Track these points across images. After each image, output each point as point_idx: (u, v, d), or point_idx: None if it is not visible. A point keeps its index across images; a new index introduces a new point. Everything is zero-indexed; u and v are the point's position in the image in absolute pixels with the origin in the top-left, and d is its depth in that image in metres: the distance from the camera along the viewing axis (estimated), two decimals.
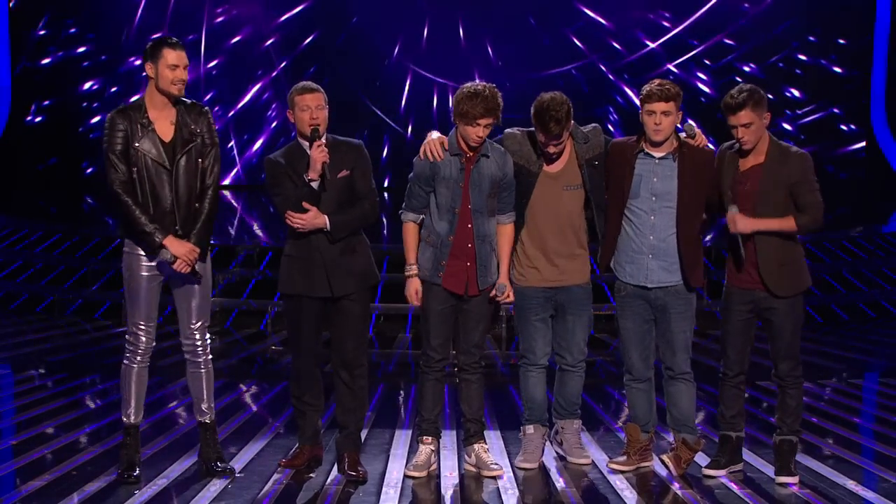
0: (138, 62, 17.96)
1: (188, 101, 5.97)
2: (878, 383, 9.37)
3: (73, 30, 18.40)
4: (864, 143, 18.49)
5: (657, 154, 6.08)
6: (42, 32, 18.35)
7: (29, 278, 12.58)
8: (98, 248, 12.89)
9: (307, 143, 5.92)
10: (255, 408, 7.93)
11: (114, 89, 18.31)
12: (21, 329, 11.06)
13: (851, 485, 6.01)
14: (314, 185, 5.85)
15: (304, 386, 6.11)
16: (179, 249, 5.81)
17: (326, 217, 5.90)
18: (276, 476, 6.06)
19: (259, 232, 14.18)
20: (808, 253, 12.84)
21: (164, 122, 5.87)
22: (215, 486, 5.86)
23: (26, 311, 11.97)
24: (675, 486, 6.00)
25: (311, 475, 6.10)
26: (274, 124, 18.49)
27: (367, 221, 6.06)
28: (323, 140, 5.92)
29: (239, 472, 6.09)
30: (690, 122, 6.15)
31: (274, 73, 18.40)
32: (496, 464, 6.22)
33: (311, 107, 5.90)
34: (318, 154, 5.85)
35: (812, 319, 11.70)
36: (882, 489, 5.94)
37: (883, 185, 18.22)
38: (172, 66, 5.80)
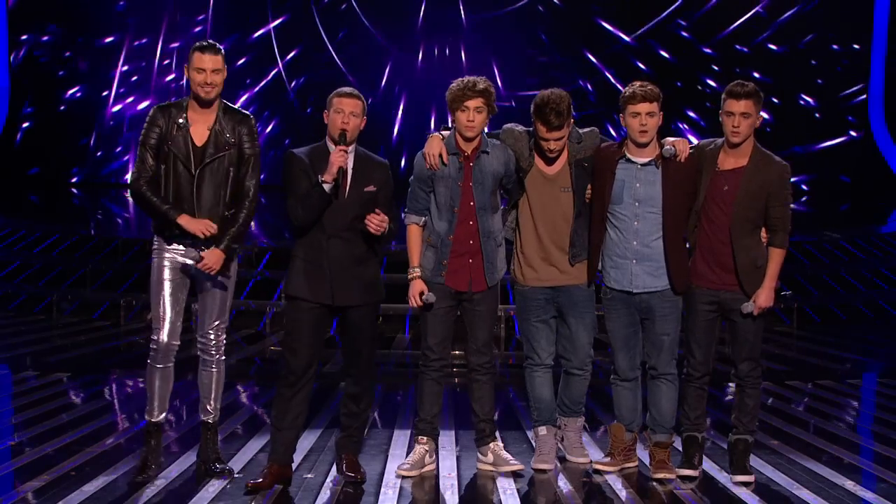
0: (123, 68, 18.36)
1: (233, 107, 5.99)
2: (876, 384, 9.38)
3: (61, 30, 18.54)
4: (862, 144, 18.50)
5: (640, 160, 6.07)
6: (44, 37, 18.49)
7: (27, 279, 12.58)
8: (96, 249, 12.90)
9: (334, 146, 5.89)
10: (253, 408, 7.93)
11: (142, 99, 18.48)
12: (19, 329, 11.05)
13: (850, 485, 6.02)
14: (326, 187, 5.80)
15: (291, 398, 5.93)
16: (195, 225, 5.80)
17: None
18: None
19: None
20: (807, 253, 12.88)
21: (201, 126, 5.89)
22: (214, 486, 5.86)
23: (25, 311, 11.97)
24: (675, 486, 6.01)
25: (310, 475, 6.10)
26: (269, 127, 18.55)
27: (391, 239, 6.08)
28: (349, 148, 5.90)
29: (238, 473, 6.08)
30: (669, 146, 6.09)
31: (264, 82, 18.53)
32: (515, 459, 6.22)
33: (346, 111, 5.88)
34: (337, 157, 5.81)
35: (811, 320, 11.72)
36: (881, 489, 5.94)
37: (881, 186, 18.23)
38: (199, 69, 5.83)
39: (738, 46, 18.39)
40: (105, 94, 18.60)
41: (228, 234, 5.88)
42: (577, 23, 18.44)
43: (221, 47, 5.96)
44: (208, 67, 5.84)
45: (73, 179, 18.81)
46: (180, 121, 5.87)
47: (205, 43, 5.93)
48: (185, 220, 5.82)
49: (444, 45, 18.46)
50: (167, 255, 5.93)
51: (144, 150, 5.87)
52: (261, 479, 5.85)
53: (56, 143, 18.61)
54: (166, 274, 5.93)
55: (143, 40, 18.57)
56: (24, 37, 18.46)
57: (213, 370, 6.08)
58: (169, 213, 5.83)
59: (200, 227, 5.82)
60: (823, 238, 13.41)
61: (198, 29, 18.33)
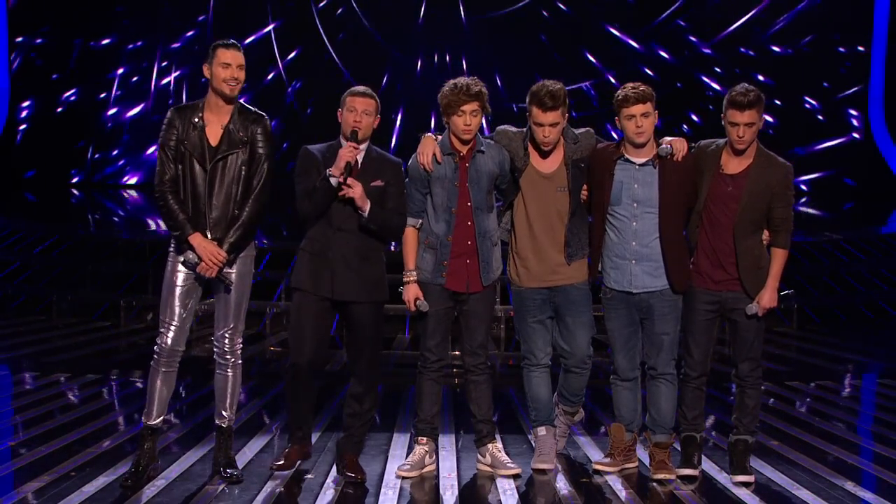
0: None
1: (248, 108, 5.99)
2: (876, 384, 9.38)
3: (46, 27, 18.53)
4: (861, 144, 18.49)
5: (637, 160, 6.06)
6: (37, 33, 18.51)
7: (27, 279, 12.57)
8: (97, 249, 12.89)
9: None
10: (254, 408, 7.92)
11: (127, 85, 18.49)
12: (19, 330, 11.05)
13: (850, 485, 6.02)
14: (332, 181, 5.84)
15: (299, 385, 6.05)
16: (204, 249, 5.81)
17: (370, 203, 5.89)
18: (274, 476, 6.06)
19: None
20: (807, 254, 12.88)
21: (216, 126, 5.90)
22: (214, 487, 5.86)
23: (25, 311, 11.96)
24: (675, 487, 6.01)
25: (310, 475, 6.11)
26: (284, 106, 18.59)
27: (397, 234, 6.09)
28: (361, 147, 5.93)
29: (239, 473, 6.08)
30: (665, 145, 6.07)
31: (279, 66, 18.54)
32: (512, 463, 6.22)
33: (358, 110, 5.93)
34: (346, 153, 5.85)
35: (811, 320, 11.71)
36: (881, 489, 5.95)
37: (881, 186, 18.21)
38: (225, 64, 5.85)
39: (742, 49, 18.41)
40: (103, 96, 18.59)
41: (230, 234, 5.88)
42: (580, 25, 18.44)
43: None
44: (234, 63, 5.86)
45: (74, 180, 18.80)
46: (195, 120, 5.89)
47: (227, 41, 5.95)
48: (196, 241, 5.82)
49: (444, 49, 18.45)
50: (181, 259, 5.92)
51: (164, 153, 5.88)
52: (282, 461, 5.99)
53: (54, 146, 18.59)
54: (178, 279, 5.93)
55: (139, 43, 18.58)
56: (19, 39, 18.45)
57: (228, 374, 6.08)
58: (185, 228, 5.82)
59: (209, 252, 5.81)
60: (823, 239, 13.40)
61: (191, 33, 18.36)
